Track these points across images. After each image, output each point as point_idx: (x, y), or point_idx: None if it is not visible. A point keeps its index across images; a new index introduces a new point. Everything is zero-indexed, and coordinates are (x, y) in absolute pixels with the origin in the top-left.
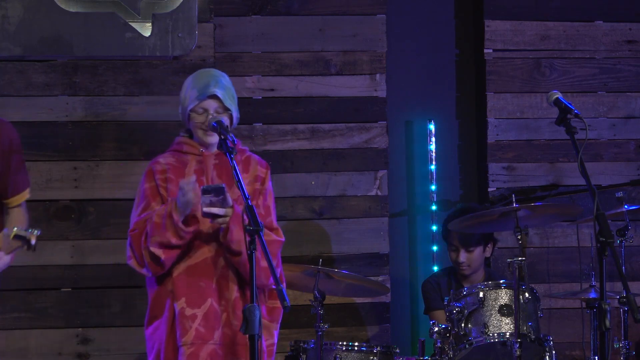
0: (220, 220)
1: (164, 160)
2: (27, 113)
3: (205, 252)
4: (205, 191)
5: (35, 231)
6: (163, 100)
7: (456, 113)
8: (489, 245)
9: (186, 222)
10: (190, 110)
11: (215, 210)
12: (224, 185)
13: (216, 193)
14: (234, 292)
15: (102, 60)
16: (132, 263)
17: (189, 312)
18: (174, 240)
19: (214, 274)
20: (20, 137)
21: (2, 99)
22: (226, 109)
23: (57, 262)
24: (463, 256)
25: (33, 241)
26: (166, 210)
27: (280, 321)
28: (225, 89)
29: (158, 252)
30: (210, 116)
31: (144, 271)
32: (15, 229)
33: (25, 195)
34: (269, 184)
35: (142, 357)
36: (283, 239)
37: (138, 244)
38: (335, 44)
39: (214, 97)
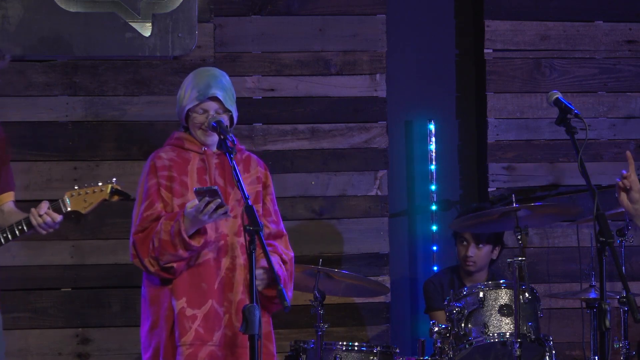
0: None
1: (166, 155)
2: (27, 113)
3: (208, 253)
4: (198, 193)
5: (114, 179)
6: (163, 100)
7: (456, 113)
8: (497, 248)
9: (194, 234)
10: (189, 110)
11: (215, 215)
12: (216, 188)
13: (210, 194)
14: (239, 293)
15: (102, 60)
16: (137, 262)
17: (189, 312)
18: (186, 254)
19: (217, 274)
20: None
21: (2, 99)
22: (226, 110)
23: (57, 262)
24: (472, 251)
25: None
26: (174, 228)
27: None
28: (225, 89)
29: (170, 265)
30: (210, 116)
31: (149, 274)
32: (109, 184)
33: (11, 196)
34: (272, 188)
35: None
36: (292, 253)
37: (144, 249)
38: (335, 44)
39: (214, 98)
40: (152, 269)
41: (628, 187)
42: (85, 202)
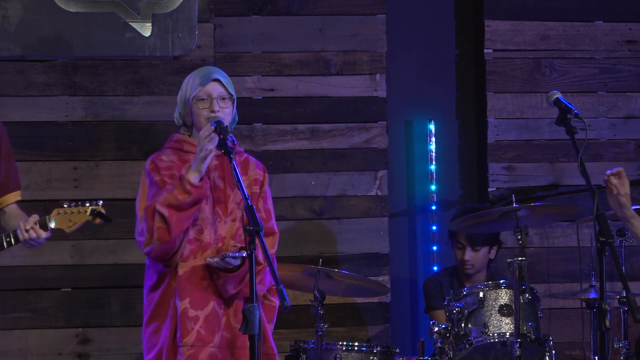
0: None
1: (167, 157)
2: (27, 113)
3: (208, 255)
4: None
5: (100, 202)
6: (163, 100)
7: (456, 113)
8: (494, 247)
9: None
10: (194, 98)
11: (223, 264)
12: (245, 254)
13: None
14: (235, 295)
15: (102, 60)
16: (141, 239)
17: (192, 313)
18: (181, 197)
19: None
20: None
21: (2, 99)
22: (230, 95)
23: (57, 262)
24: (469, 254)
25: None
26: (178, 175)
27: (274, 321)
28: (226, 77)
29: (164, 210)
30: (214, 101)
31: (149, 248)
32: (91, 206)
33: (16, 196)
34: (267, 188)
35: (142, 357)
36: (276, 247)
37: (151, 214)
38: (335, 44)
39: (217, 81)
40: (155, 224)
41: (614, 190)
42: (70, 221)
